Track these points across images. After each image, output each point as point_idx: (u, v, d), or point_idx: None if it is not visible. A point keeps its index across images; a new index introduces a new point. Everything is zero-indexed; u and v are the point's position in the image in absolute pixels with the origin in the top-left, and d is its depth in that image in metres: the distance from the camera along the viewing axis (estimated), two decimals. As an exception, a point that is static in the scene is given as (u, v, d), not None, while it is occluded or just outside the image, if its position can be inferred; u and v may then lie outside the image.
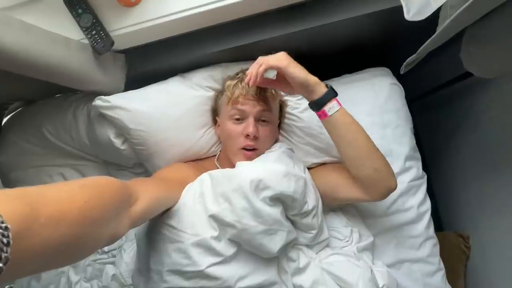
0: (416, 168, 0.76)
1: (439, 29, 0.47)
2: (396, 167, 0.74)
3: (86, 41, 0.66)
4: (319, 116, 0.60)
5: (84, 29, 0.65)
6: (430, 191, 0.77)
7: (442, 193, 1.02)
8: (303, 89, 0.59)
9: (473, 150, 0.88)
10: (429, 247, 0.72)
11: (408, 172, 0.75)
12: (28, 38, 0.53)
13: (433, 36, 0.46)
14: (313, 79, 0.58)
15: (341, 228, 0.71)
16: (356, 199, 0.65)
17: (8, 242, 0.21)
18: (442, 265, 0.73)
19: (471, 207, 0.90)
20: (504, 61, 0.47)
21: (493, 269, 0.79)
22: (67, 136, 0.82)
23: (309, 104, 0.61)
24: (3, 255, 0.21)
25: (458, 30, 0.47)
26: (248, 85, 0.61)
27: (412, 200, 0.74)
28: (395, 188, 0.62)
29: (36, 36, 0.55)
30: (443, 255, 0.74)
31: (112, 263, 0.81)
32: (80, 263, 0.85)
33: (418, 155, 0.78)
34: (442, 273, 0.72)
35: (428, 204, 0.75)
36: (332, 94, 0.58)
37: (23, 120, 0.87)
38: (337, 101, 0.59)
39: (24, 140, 0.85)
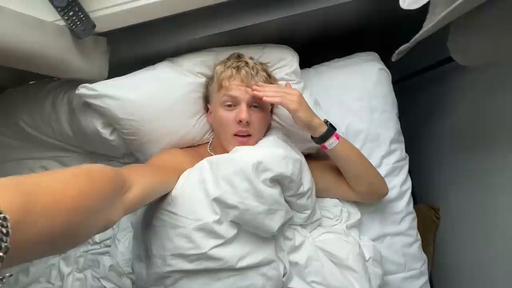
0: (400, 151, 0.81)
1: (429, 15, 0.48)
2: (382, 150, 0.79)
3: (62, 22, 0.60)
4: (322, 147, 0.67)
5: (59, 9, 0.58)
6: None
7: (417, 169, 1.10)
8: (306, 129, 0.66)
9: (447, 131, 0.94)
10: (409, 222, 0.79)
11: (392, 155, 0.80)
12: (-1, 22, 0.47)
13: (428, 26, 0.47)
14: (316, 121, 0.64)
15: (331, 207, 0.76)
16: (351, 199, 0.75)
17: (8, 232, 0.22)
18: (419, 236, 0.81)
19: (442, 182, 0.98)
20: (490, 51, 0.50)
21: (459, 237, 0.89)
22: (48, 128, 0.76)
23: (311, 137, 0.68)
24: (3, 244, 0.21)
25: (452, 19, 0.48)
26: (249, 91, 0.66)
27: (395, 180, 0.79)
28: (386, 194, 0.72)
29: (7, 19, 0.48)
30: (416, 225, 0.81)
31: (105, 253, 0.81)
32: (71, 255, 0.83)
33: (402, 138, 0.83)
34: (418, 243, 0.80)
35: (409, 183, 0.81)
36: (331, 131, 0.65)
37: (-7, 110, 0.79)
38: (336, 135, 0.66)
39: (-4, 132, 0.78)
